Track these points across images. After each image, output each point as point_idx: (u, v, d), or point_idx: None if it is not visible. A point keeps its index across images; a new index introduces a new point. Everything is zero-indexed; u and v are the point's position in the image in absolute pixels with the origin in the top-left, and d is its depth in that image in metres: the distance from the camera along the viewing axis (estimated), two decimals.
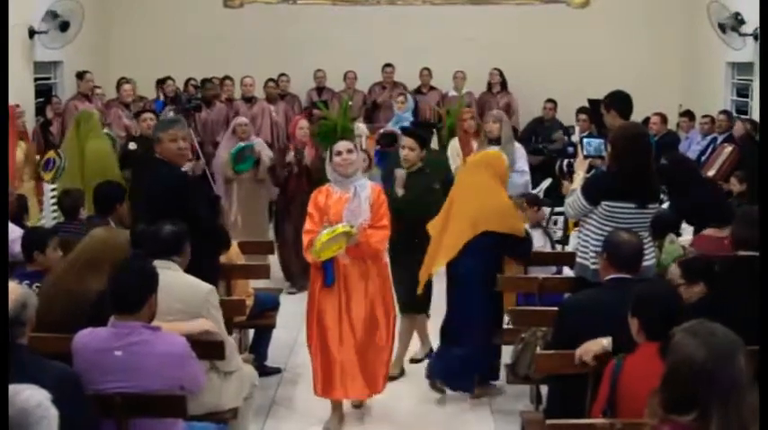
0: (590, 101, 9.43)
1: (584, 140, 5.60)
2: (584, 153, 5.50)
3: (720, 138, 10.02)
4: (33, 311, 3.44)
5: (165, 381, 3.72)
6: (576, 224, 6.20)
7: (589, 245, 5.02)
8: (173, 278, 4.30)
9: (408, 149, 6.12)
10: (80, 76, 10.60)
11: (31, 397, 2.42)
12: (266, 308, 6.18)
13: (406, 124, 9.44)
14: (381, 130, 10.13)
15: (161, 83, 11.31)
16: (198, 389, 3.97)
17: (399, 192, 6.02)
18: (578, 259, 5.15)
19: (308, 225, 5.23)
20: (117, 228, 5.42)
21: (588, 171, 5.50)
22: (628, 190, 4.91)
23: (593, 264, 4.91)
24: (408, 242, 5.84)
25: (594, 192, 5.00)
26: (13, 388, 2.42)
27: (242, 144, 8.64)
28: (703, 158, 9.88)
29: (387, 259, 5.55)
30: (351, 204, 5.19)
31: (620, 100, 6.18)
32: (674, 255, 5.49)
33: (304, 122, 8.55)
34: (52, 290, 4.35)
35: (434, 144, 9.74)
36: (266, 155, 8.75)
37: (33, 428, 2.32)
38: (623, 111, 6.13)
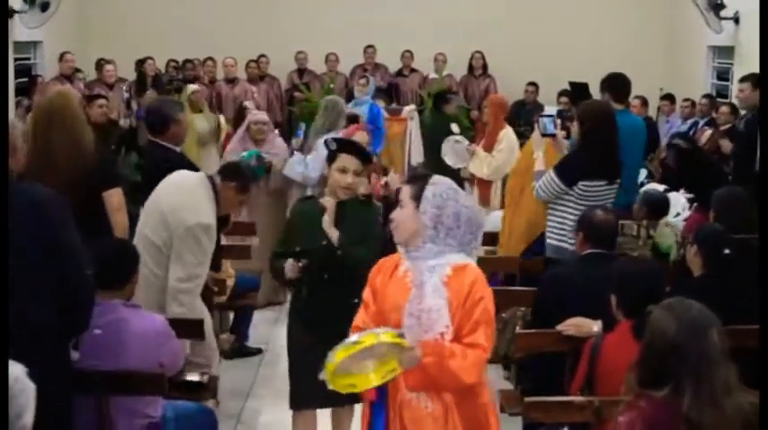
0: (571, 83, 9.42)
1: (542, 120, 5.44)
2: (542, 132, 5.41)
3: (701, 123, 10.06)
4: (18, 138, 3.25)
5: (145, 359, 3.71)
6: None
7: (566, 226, 5.02)
8: None
9: (353, 175, 4.05)
10: (62, 57, 10.64)
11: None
12: (247, 288, 6.18)
13: (365, 107, 8.74)
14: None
15: (140, 63, 11.22)
16: (177, 367, 3.97)
17: (333, 234, 4.02)
18: (554, 241, 5.15)
19: (357, 318, 3.28)
20: None
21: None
22: (600, 168, 4.99)
23: (573, 245, 4.94)
24: (342, 303, 3.80)
25: (572, 173, 5.01)
26: None
27: (253, 151, 6.91)
28: None
29: (485, 398, 3.22)
30: (411, 302, 3.05)
31: (613, 84, 6.20)
32: (669, 241, 5.49)
33: (363, 135, 6.59)
34: None
35: (415, 126, 9.75)
36: (280, 158, 7.15)
37: (11, 402, 2.31)
38: (616, 95, 6.17)
